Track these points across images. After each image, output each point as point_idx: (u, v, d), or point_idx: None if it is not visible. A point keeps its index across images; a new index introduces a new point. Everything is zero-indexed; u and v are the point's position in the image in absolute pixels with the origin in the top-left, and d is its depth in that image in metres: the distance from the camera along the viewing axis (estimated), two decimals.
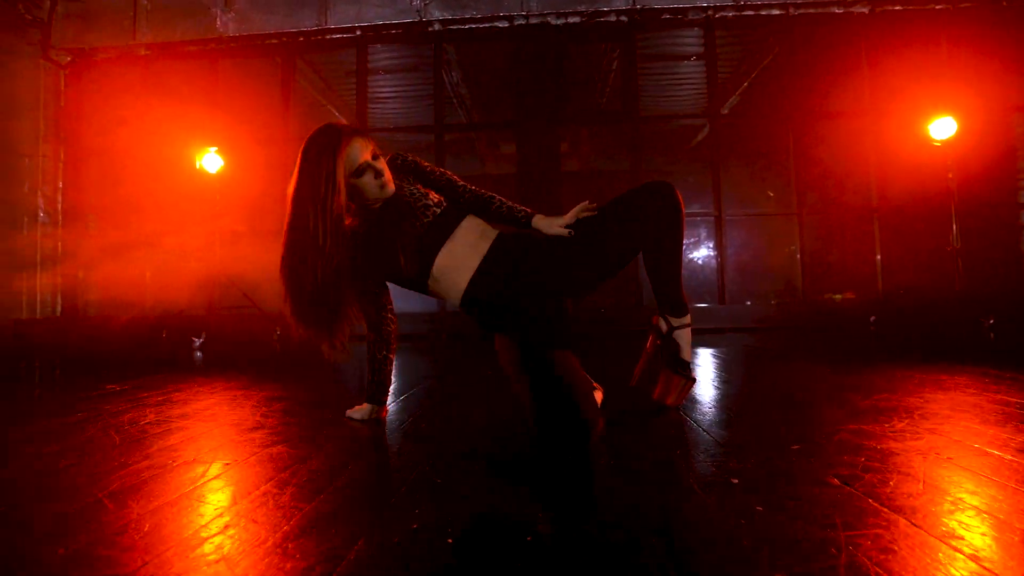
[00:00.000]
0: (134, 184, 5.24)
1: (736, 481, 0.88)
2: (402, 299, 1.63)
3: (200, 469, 1.00)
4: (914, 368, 2.10)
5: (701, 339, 3.87)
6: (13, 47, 5.20)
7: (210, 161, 4.34)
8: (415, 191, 1.38)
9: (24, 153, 5.25)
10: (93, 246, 5.37)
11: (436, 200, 1.38)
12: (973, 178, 4.80)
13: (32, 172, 5.29)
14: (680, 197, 1.32)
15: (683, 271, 1.38)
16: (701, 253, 5.37)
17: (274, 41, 5.26)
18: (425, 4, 5.10)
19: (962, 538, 0.64)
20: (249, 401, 1.71)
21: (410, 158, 1.45)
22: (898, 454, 1.01)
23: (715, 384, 1.91)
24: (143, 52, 5.42)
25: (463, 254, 1.31)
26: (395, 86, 6.14)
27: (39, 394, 2.07)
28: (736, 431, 1.23)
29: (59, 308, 5.36)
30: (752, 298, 5.31)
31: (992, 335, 3.76)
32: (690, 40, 5.50)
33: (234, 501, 0.82)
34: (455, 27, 5.16)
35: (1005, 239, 4.98)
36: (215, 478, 0.95)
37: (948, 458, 0.97)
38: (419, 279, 1.34)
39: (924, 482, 0.85)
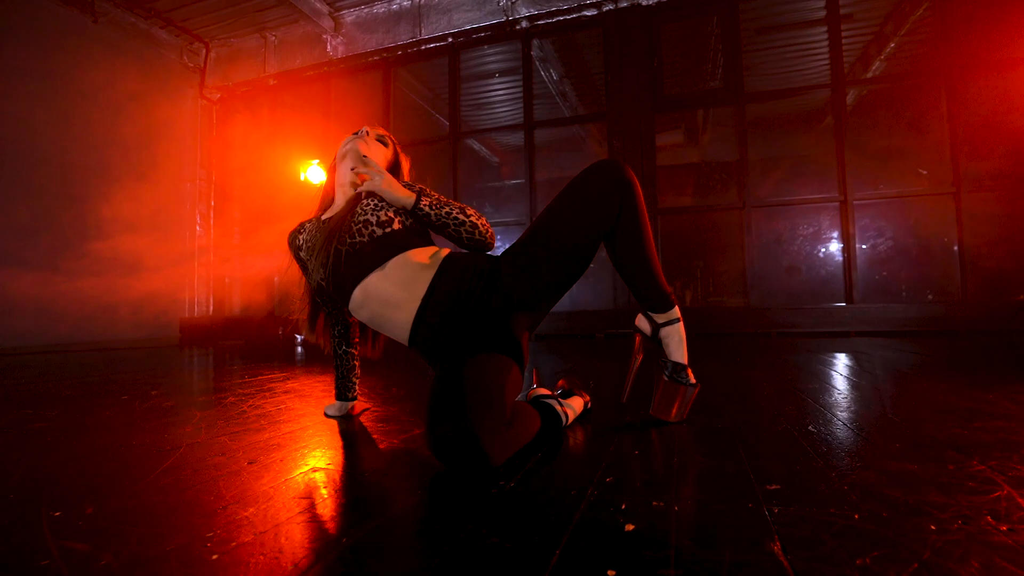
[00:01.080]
0: (267, 197, 5.96)
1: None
2: None
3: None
4: None
5: (818, 344, 3.33)
6: (179, 90, 6.20)
7: (313, 173, 4.76)
8: (375, 205, 1.22)
9: (186, 179, 6.24)
10: (237, 254, 6.22)
11: (385, 219, 1.19)
12: None
13: (192, 195, 6.27)
14: (629, 171, 1.10)
15: (658, 257, 1.14)
16: (825, 244, 4.65)
17: (375, 57, 5.63)
18: (512, 3, 5.09)
19: None
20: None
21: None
22: None
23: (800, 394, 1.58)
24: (271, 83, 6.14)
25: (389, 291, 1.14)
26: (496, 89, 6.24)
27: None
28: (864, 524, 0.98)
29: (211, 308, 6.28)
30: (892, 296, 4.48)
31: None
32: (813, 3, 4.82)
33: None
34: (541, 22, 5.08)
35: None
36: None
37: None
38: (340, 303, 1.24)
39: None
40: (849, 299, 4.21)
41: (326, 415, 1.42)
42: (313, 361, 3.06)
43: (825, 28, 4.72)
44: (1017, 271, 3.94)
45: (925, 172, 4.57)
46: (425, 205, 1.20)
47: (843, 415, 1.26)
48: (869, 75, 5.53)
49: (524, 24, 5.11)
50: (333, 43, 5.75)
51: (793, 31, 5.28)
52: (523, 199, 5.17)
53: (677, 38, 5.20)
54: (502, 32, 5.21)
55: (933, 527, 0.62)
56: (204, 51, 6.34)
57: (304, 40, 5.89)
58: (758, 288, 4.49)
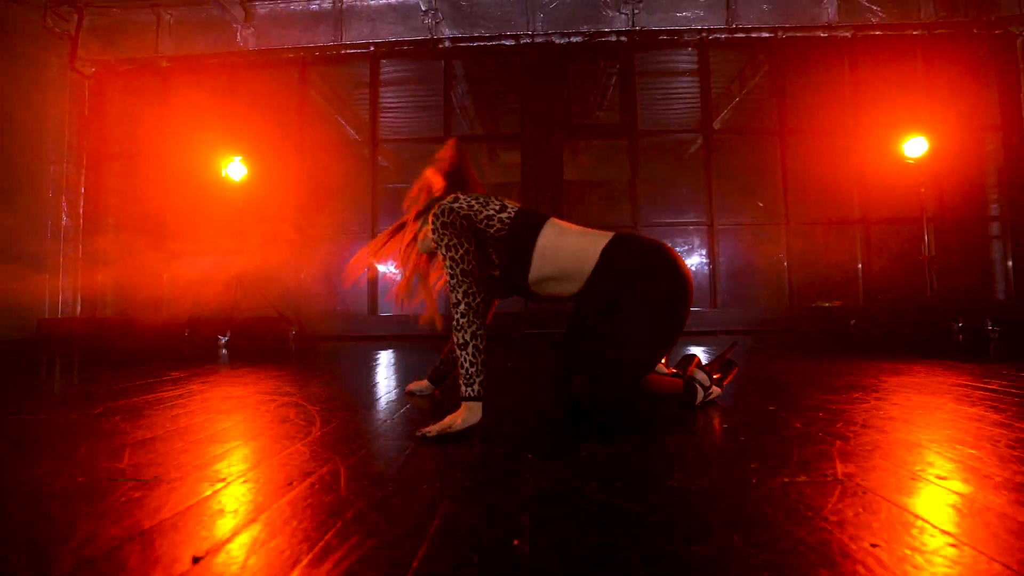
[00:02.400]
0: (155, 189, 5.49)
1: (727, 426, 1.17)
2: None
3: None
4: (882, 362, 2.40)
5: (695, 340, 4.15)
6: (40, 59, 5.44)
7: (234, 169, 4.59)
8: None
9: (50, 160, 5.49)
10: (113, 249, 5.60)
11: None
12: (945, 192, 5.15)
13: (57, 178, 5.52)
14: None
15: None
16: (694, 260, 5.66)
17: (291, 55, 5.54)
18: (436, 22, 5.40)
19: (863, 446, 0.93)
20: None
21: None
22: (848, 411, 1.30)
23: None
24: (164, 64, 5.68)
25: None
26: (402, 97, 6.42)
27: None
28: (732, 401, 1.51)
29: (79, 308, 5.57)
30: (742, 303, 5.62)
31: (960, 337, 4.07)
32: (685, 58, 5.83)
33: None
34: (464, 44, 5.46)
35: (976, 249, 5.33)
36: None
37: (885, 412, 1.26)
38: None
39: (862, 424, 1.13)
40: (714, 304, 5.22)
41: (409, 393, 1.69)
42: (237, 362, 3.08)
43: (690, 78, 5.80)
44: (819, 285, 5.27)
45: (762, 204, 5.81)
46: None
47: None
48: (719, 120, 6.81)
49: (447, 44, 5.45)
50: (243, 33, 5.52)
51: (667, 78, 6.30)
52: None
53: (581, 75, 5.93)
54: (425, 48, 5.49)
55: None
56: (76, 17, 5.64)
57: (209, 25, 5.57)
58: None
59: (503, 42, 5.44)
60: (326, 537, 0.65)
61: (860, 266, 5.29)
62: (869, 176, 5.23)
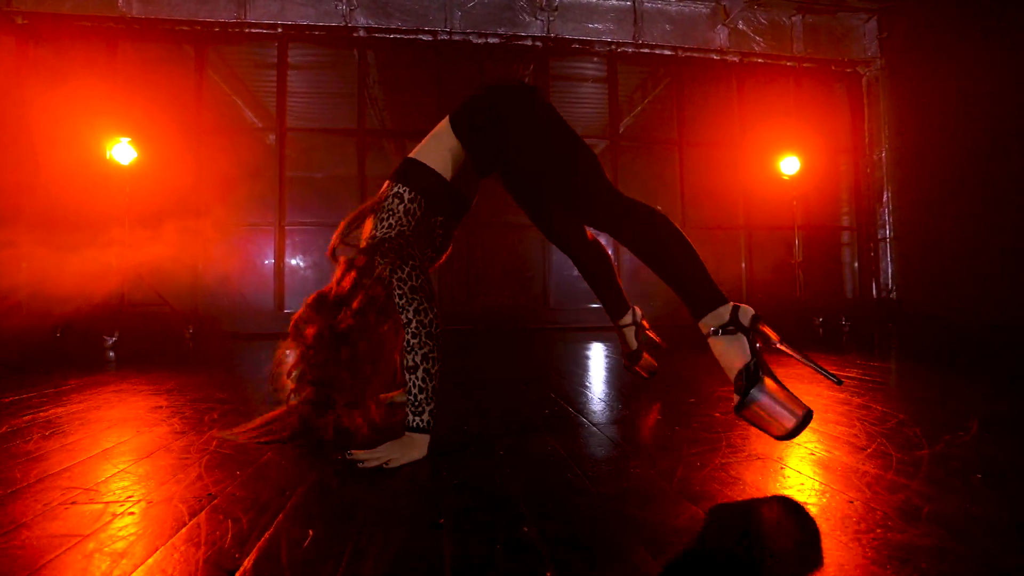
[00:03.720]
0: (6, 161, 4.73)
1: (660, 418, 1.32)
2: None
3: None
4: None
5: (598, 336, 4.44)
6: None
7: (121, 152, 4.09)
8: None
9: None
10: None
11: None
12: (811, 205, 5.95)
13: None
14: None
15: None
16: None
17: (185, 28, 5.04)
18: (351, 9, 5.20)
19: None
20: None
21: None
22: None
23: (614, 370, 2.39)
24: (20, 21, 4.91)
25: None
26: (308, 82, 6.11)
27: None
28: (657, 396, 1.68)
29: None
30: (643, 300, 6.07)
31: (821, 331, 4.76)
32: (595, 67, 6.14)
33: None
34: (380, 35, 5.32)
35: (832, 254, 6.23)
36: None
37: None
38: None
39: None
40: None
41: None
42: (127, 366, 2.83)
43: (594, 84, 6.14)
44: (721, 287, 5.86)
45: (660, 208, 6.30)
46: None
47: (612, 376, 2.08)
48: (623, 126, 7.27)
49: (362, 33, 5.27)
50: None
51: (579, 82, 6.59)
52: (331, 197, 5.54)
53: (498, 75, 6.02)
54: (338, 36, 5.27)
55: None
56: None
57: None
58: (555, 292, 5.58)
59: (420, 36, 5.38)
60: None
61: (744, 266, 5.96)
62: (752, 187, 5.89)
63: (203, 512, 0.78)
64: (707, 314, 1.14)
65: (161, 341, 4.16)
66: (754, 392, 0.98)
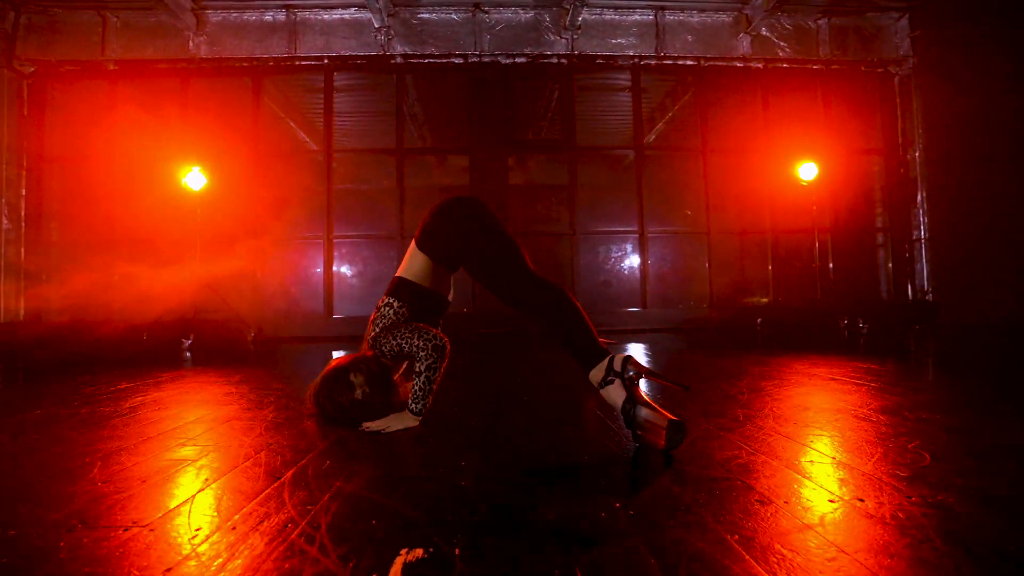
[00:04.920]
0: (102, 193, 5.49)
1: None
2: None
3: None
4: (766, 355, 2.96)
5: (629, 338, 4.69)
6: None
7: (193, 179, 4.72)
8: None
9: None
10: (57, 254, 5.56)
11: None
12: (840, 207, 5.96)
13: None
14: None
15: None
16: (628, 263, 6.25)
17: (245, 64, 5.67)
18: (389, 39, 5.69)
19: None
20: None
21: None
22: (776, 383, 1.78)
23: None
24: (111, 67, 5.67)
25: None
26: (352, 103, 6.65)
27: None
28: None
29: (22, 313, 5.49)
30: (669, 304, 6.25)
31: (846, 334, 4.81)
32: (622, 78, 6.38)
33: None
34: (415, 60, 5.78)
35: (866, 257, 6.19)
36: None
37: (785, 390, 1.75)
38: None
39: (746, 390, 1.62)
40: (644, 305, 5.80)
41: None
42: (207, 363, 3.33)
43: (627, 93, 6.35)
44: (736, 288, 5.97)
45: (690, 213, 6.47)
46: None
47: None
48: (654, 133, 7.45)
49: (399, 60, 5.75)
50: (195, 40, 5.60)
51: (606, 93, 6.84)
52: (376, 210, 5.92)
53: (527, 92, 6.38)
54: (377, 64, 5.77)
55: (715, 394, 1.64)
56: (12, 15, 5.54)
57: (158, 30, 5.61)
58: (582, 296, 5.85)
59: (452, 60, 5.80)
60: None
61: (770, 269, 6.03)
62: (778, 192, 5.95)
63: (262, 452, 1.16)
64: (592, 368, 1.40)
65: (228, 344, 4.74)
66: (636, 418, 1.27)
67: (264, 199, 5.60)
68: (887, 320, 5.49)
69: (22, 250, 5.52)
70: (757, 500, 0.87)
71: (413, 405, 1.48)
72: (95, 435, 1.36)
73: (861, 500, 0.85)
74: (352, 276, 6.15)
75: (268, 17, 5.67)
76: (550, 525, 0.77)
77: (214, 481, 0.97)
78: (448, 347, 1.54)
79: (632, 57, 5.93)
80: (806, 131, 5.93)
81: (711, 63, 6.02)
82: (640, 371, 1.35)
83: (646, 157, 6.18)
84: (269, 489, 0.93)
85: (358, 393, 1.48)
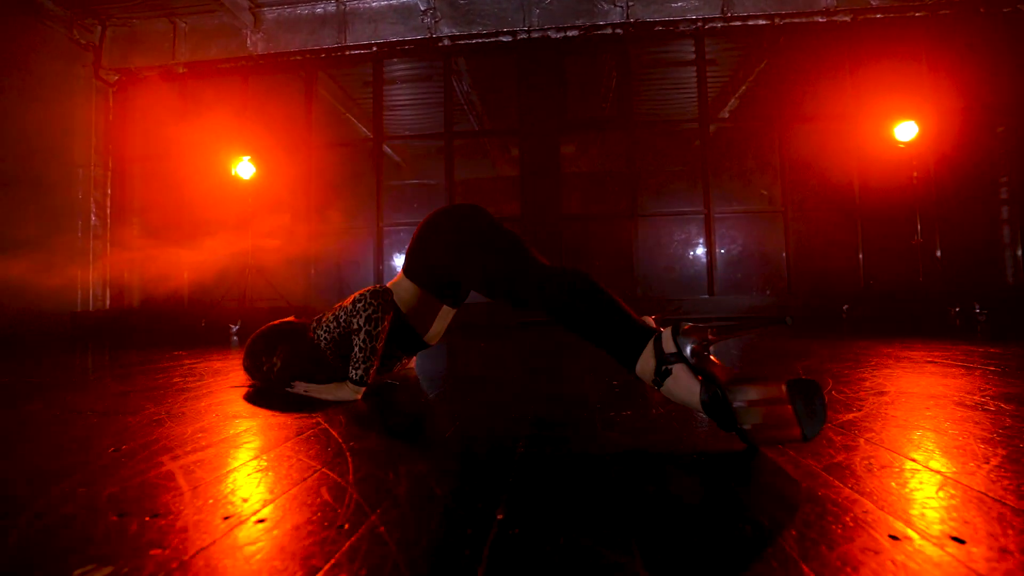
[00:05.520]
0: (174, 188, 5.82)
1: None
2: None
3: None
4: (847, 340, 2.46)
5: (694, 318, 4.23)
6: (69, 70, 5.81)
7: (243, 169, 4.85)
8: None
9: (78, 164, 5.86)
10: (137, 245, 5.96)
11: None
12: (951, 176, 5.08)
13: (85, 180, 5.89)
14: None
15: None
16: (694, 248, 5.71)
17: (298, 58, 5.78)
18: (435, 21, 5.56)
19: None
20: None
21: None
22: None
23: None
24: (181, 70, 5.99)
25: None
26: (408, 94, 6.61)
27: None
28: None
29: (108, 301, 5.95)
30: (741, 289, 5.64)
31: (958, 322, 4.05)
32: (685, 50, 5.85)
33: None
34: (463, 42, 5.61)
35: (983, 234, 5.23)
36: None
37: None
38: None
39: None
40: (711, 292, 5.27)
41: None
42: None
43: (694, 68, 5.79)
44: (828, 274, 5.26)
45: (765, 193, 5.80)
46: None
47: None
48: (727, 110, 6.79)
49: (446, 42, 5.61)
50: (253, 38, 5.78)
51: (670, 68, 6.32)
52: (431, 200, 5.72)
53: (578, 68, 6.01)
54: (425, 48, 5.66)
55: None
56: (99, 28, 6.00)
57: (220, 31, 5.85)
58: (643, 283, 5.41)
59: (500, 38, 5.57)
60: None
61: (860, 256, 5.26)
62: (869, 162, 5.18)
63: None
64: (636, 361, 0.98)
65: None
66: (741, 415, 0.78)
67: (317, 188, 5.68)
68: (1014, 307, 4.58)
69: (108, 243, 5.97)
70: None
71: (353, 372, 1.28)
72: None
73: (959, 541, 0.50)
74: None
75: (319, 10, 5.74)
76: None
77: None
78: (391, 294, 1.36)
79: (695, 21, 5.40)
80: (906, 91, 5.10)
81: (787, 20, 5.34)
82: (705, 337, 0.89)
83: (713, 132, 5.61)
84: None
85: (275, 361, 1.41)
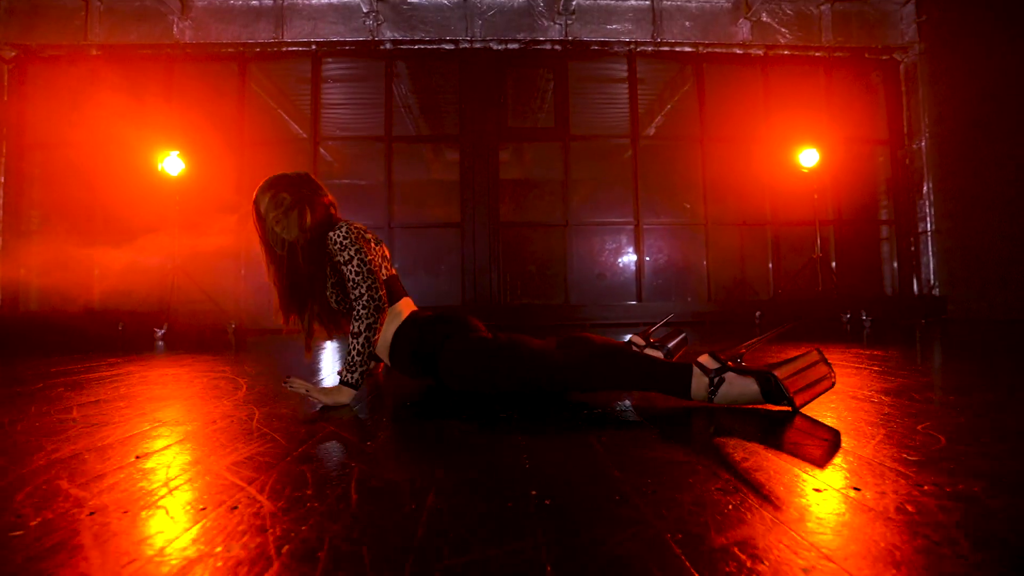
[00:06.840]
0: (83, 181, 5.34)
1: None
2: None
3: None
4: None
5: (625, 332, 4.50)
6: None
7: (171, 164, 4.57)
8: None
9: None
10: (36, 241, 5.41)
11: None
12: (842, 198, 5.76)
13: None
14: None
15: None
16: (624, 256, 6.06)
17: (230, 50, 5.52)
18: (378, 24, 5.53)
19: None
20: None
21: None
22: None
23: None
24: (94, 52, 5.53)
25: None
26: (345, 94, 6.49)
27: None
28: None
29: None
30: (666, 297, 6.05)
31: (848, 328, 4.61)
32: (618, 67, 6.20)
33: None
34: (405, 47, 5.61)
35: (870, 250, 5.98)
36: None
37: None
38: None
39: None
40: (639, 298, 5.61)
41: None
42: (175, 350, 3.16)
43: (626, 85, 6.16)
44: (743, 283, 5.77)
45: (689, 206, 6.27)
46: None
47: None
48: (654, 126, 7.25)
49: (388, 46, 5.59)
50: (180, 25, 5.45)
51: (604, 84, 6.65)
52: (364, 201, 5.76)
53: (520, 79, 6.20)
54: (366, 49, 5.61)
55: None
56: None
57: (142, 15, 5.47)
58: (576, 290, 5.66)
59: (443, 46, 5.63)
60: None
61: (771, 265, 5.83)
62: (778, 183, 5.76)
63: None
64: (689, 389, 1.19)
65: (206, 335, 4.57)
66: (783, 388, 1.10)
67: (248, 187, 5.43)
68: (892, 314, 5.29)
69: (0, 237, 5.38)
70: (719, 488, 0.69)
71: (348, 375, 1.26)
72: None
73: (856, 489, 0.68)
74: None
75: (255, 2, 5.52)
76: None
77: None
78: (385, 309, 1.36)
79: (628, 43, 5.75)
80: (808, 120, 5.73)
81: (709, 49, 5.83)
82: (739, 352, 1.25)
83: (644, 147, 5.99)
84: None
85: (279, 213, 1.55)
